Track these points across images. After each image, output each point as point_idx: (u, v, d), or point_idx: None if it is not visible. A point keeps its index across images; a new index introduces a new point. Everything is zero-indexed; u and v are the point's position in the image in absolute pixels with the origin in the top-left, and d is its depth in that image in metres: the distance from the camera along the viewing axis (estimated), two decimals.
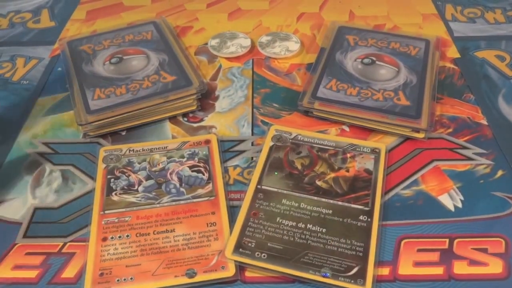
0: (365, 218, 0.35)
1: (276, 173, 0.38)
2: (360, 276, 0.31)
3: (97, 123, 0.41)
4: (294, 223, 0.34)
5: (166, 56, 0.48)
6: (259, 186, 0.37)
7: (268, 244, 0.33)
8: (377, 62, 0.47)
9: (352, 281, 0.31)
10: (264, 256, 0.32)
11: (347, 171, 0.38)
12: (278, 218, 0.35)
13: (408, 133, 0.41)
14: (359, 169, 0.38)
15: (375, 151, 0.40)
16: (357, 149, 0.40)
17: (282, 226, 0.34)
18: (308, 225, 0.34)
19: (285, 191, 0.37)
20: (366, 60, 0.47)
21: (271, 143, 0.40)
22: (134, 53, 0.48)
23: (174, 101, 0.43)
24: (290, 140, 0.41)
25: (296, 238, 0.33)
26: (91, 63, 0.47)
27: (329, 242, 0.33)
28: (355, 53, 0.48)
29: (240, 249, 0.33)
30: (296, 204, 0.36)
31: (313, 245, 0.33)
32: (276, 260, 0.32)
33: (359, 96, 0.42)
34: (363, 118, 0.41)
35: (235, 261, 0.32)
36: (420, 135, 0.40)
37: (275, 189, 0.37)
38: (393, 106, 0.41)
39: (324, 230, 0.34)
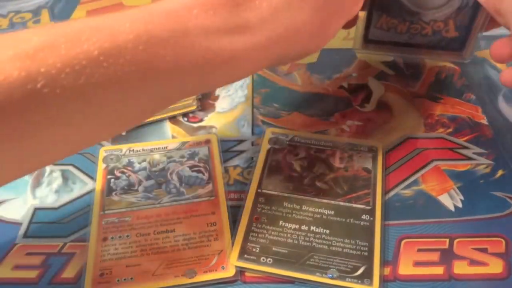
0: (367, 217, 0.35)
1: (275, 176, 0.38)
2: (367, 276, 0.31)
3: None
4: (297, 226, 0.34)
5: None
6: (259, 190, 0.37)
7: (273, 248, 0.33)
8: None
9: (359, 282, 0.31)
10: (269, 260, 0.32)
11: (346, 170, 0.38)
12: (280, 221, 0.35)
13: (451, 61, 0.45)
14: (357, 168, 0.38)
15: (372, 149, 0.40)
16: (355, 148, 0.40)
17: (286, 230, 0.34)
18: (312, 227, 0.34)
19: (286, 194, 0.36)
20: None
21: (268, 146, 0.40)
22: None
23: None
24: (287, 142, 0.41)
25: (300, 240, 0.33)
26: None
27: (334, 243, 0.33)
28: None
29: (245, 255, 0.33)
30: (298, 207, 0.36)
31: (318, 247, 0.33)
32: (282, 264, 0.32)
33: (408, 34, 0.42)
34: (411, 55, 0.44)
35: (241, 267, 0.32)
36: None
37: (276, 193, 0.37)
38: (440, 40, 0.42)
39: (327, 231, 0.34)
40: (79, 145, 0.26)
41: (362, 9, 0.40)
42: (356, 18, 0.39)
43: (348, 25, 0.39)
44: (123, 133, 0.42)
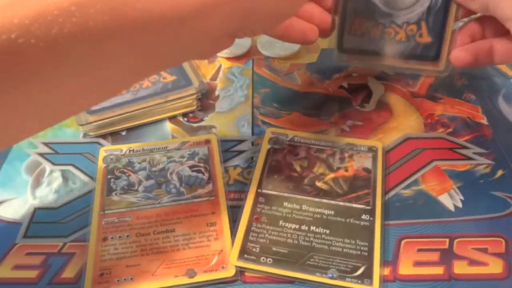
0: (367, 217, 0.35)
1: (275, 176, 0.38)
2: (367, 275, 0.31)
3: (97, 123, 0.41)
4: (297, 226, 0.34)
5: None
6: (259, 190, 0.37)
7: (273, 248, 0.33)
8: None
9: (359, 281, 0.31)
10: (269, 260, 0.32)
11: (346, 170, 0.38)
12: (280, 221, 0.35)
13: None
14: (357, 168, 0.38)
15: (372, 149, 0.40)
16: (354, 148, 0.40)
17: (286, 230, 0.34)
18: (312, 227, 0.34)
19: (285, 194, 0.36)
20: None
21: (268, 146, 0.40)
22: None
23: (174, 101, 0.43)
24: (287, 142, 0.41)
25: (300, 240, 0.33)
26: None
27: (334, 243, 0.33)
28: None
29: (245, 255, 0.33)
30: (298, 207, 0.36)
31: (318, 247, 0.33)
32: (282, 264, 0.32)
33: (383, 40, 0.40)
34: (386, 65, 0.41)
35: (241, 267, 0.32)
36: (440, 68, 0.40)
37: (276, 193, 0.37)
38: (415, 48, 0.39)
39: (327, 231, 0.34)
40: (59, 110, 0.25)
41: (336, 13, 0.40)
42: (333, 25, 0.39)
43: (325, 33, 0.39)
44: (123, 133, 0.42)
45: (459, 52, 0.37)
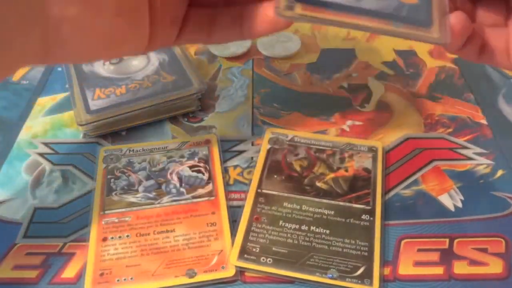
0: (367, 217, 0.35)
1: (275, 176, 0.38)
2: (367, 276, 0.31)
3: (97, 123, 0.41)
4: (297, 226, 0.34)
5: (166, 56, 0.47)
6: (259, 190, 0.37)
7: (273, 248, 0.33)
8: None
9: (359, 282, 0.31)
10: (269, 260, 0.32)
11: (346, 170, 0.38)
12: (280, 221, 0.35)
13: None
14: (357, 168, 0.38)
15: (372, 149, 0.40)
16: (354, 148, 0.40)
17: (286, 230, 0.34)
18: (312, 227, 0.34)
19: (286, 194, 0.36)
20: None
21: (268, 146, 0.40)
22: None
23: (174, 101, 0.43)
24: (287, 142, 0.41)
25: (300, 240, 0.33)
26: (92, 63, 0.47)
27: (334, 243, 0.33)
28: None
29: (245, 255, 0.33)
30: (298, 207, 0.36)
31: (318, 247, 0.33)
32: (282, 264, 0.32)
33: None
34: (362, 25, 0.29)
35: (241, 267, 0.32)
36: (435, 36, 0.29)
37: (276, 193, 0.37)
38: (398, 8, 0.29)
39: (327, 231, 0.34)
40: None
41: None
42: None
43: None
44: (123, 133, 0.42)
45: (460, 14, 0.28)
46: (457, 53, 0.30)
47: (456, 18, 0.28)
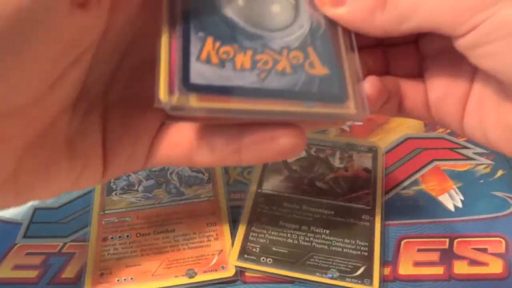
0: (367, 217, 0.35)
1: (275, 176, 0.38)
2: (367, 276, 0.31)
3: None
4: (297, 226, 0.34)
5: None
6: (259, 190, 0.37)
7: (273, 248, 0.33)
8: None
9: (359, 282, 0.31)
10: (269, 261, 0.32)
11: (346, 170, 0.38)
12: (280, 221, 0.35)
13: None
14: (357, 168, 0.38)
15: (372, 149, 0.40)
16: (354, 148, 0.40)
17: (286, 230, 0.34)
18: (312, 227, 0.34)
19: (286, 194, 0.36)
20: None
21: None
22: None
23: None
24: None
25: (300, 240, 0.33)
26: None
27: (334, 243, 0.33)
28: None
29: (245, 255, 0.33)
30: (298, 207, 0.36)
31: (318, 247, 0.33)
32: (282, 264, 0.32)
33: (256, 70, 0.23)
34: (269, 111, 0.23)
35: (241, 267, 0.32)
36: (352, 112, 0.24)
37: (276, 193, 0.37)
38: (309, 82, 0.24)
39: (327, 231, 0.34)
40: None
41: (173, 29, 0.23)
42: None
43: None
44: None
45: (375, 81, 0.24)
46: (374, 113, 0.27)
47: (372, 86, 0.24)
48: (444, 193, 0.37)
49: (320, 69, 0.24)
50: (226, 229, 0.34)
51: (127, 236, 0.34)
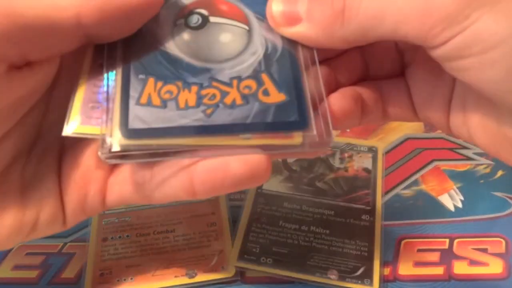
0: (367, 217, 0.35)
1: (275, 176, 0.38)
2: (367, 276, 0.31)
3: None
4: (297, 226, 0.34)
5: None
6: (259, 190, 0.37)
7: (273, 248, 0.33)
8: (211, 19, 0.24)
9: (359, 282, 0.31)
10: (269, 261, 0.32)
11: (346, 170, 0.38)
12: (280, 221, 0.35)
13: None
14: (357, 168, 0.38)
15: (372, 150, 0.40)
16: (354, 148, 0.40)
17: (286, 230, 0.34)
18: (312, 227, 0.34)
19: (285, 194, 0.36)
20: (193, 19, 0.24)
21: None
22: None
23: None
24: None
25: (300, 241, 0.33)
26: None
27: (334, 243, 0.33)
28: (171, 7, 0.24)
29: (245, 255, 0.33)
30: (298, 207, 0.36)
31: (318, 247, 0.33)
32: (282, 264, 0.32)
33: (202, 106, 0.22)
34: (219, 146, 0.21)
35: (241, 267, 0.32)
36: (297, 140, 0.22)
37: (276, 193, 0.37)
38: (263, 112, 0.22)
39: (327, 231, 0.34)
40: None
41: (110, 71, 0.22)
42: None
43: None
44: None
45: (339, 99, 0.23)
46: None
47: (336, 106, 0.23)
48: (444, 193, 0.37)
49: (275, 96, 0.22)
50: (226, 229, 0.34)
51: (127, 236, 0.34)
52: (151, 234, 0.34)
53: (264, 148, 0.21)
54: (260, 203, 0.36)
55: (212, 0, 0.24)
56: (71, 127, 0.21)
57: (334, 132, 0.22)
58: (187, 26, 0.23)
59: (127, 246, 0.34)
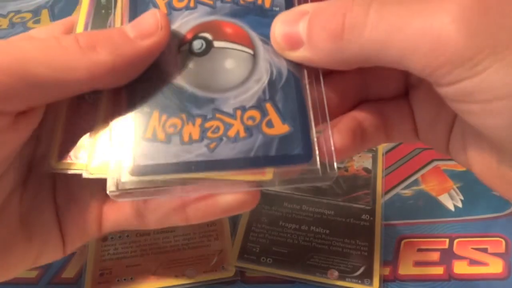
0: (367, 217, 0.35)
1: None
2: (367, 275, 0.31)
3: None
4: (297, 226, 0.34)
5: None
6: None
7: (273, 248, 0.33)
8: (215, 44, 0.23)
9: (360, 281, 0.31)
10: (269, 261, 0.32)
11: (346, 170, 0.38)
12: (280, 221, 0.35)
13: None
14: (357, 168, 0.38)
15: (372, 149, 0.40)
16: None
17: (286, 230, 0.34)
18: (312, 227, 0.34)
19: (285, 194, 0.36)
20: (197, 45, 0.23)
21: None
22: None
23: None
24: None
25: (300, 240, 0.33)
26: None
27: (334, 243, 0.33)
28: (175, 33, 0.23)
29: (245, 255, 0.33)
30: (298, 207, 0.36)
31: (318, 247, 0.33)
32: (282, 264, 0.32)
33: (205, 140, 0.21)
34: (222, 181, 0.21)
35: (241, 267, 0.32)
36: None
37: (276, 193, 0.37)
38: (266, 145, 0.21)
39: (327, 231, 0.34)
40: None
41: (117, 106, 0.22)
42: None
43: None
44: None
45: (341, 137, 0.22)
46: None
47: (339, 140, 0.22)
48: (444, 193, 0.37)
49: (279, 128, 0.22)
50: (226, 229, 0.34)
51: (127, 236, 0.34)
52: (151, 234, 0.34)
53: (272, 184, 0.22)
54: (260, 203, 0.36)
55: (216, 22, 0.23)
56: (53, 163, 0.22)
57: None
58: (191, 52, 0.23)
59: (127, 246, 0.34)
